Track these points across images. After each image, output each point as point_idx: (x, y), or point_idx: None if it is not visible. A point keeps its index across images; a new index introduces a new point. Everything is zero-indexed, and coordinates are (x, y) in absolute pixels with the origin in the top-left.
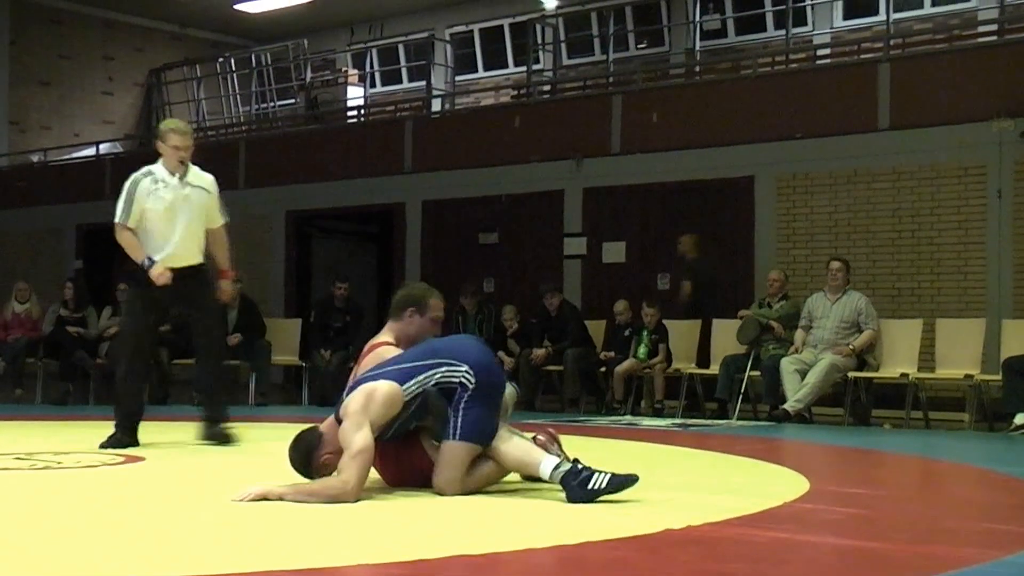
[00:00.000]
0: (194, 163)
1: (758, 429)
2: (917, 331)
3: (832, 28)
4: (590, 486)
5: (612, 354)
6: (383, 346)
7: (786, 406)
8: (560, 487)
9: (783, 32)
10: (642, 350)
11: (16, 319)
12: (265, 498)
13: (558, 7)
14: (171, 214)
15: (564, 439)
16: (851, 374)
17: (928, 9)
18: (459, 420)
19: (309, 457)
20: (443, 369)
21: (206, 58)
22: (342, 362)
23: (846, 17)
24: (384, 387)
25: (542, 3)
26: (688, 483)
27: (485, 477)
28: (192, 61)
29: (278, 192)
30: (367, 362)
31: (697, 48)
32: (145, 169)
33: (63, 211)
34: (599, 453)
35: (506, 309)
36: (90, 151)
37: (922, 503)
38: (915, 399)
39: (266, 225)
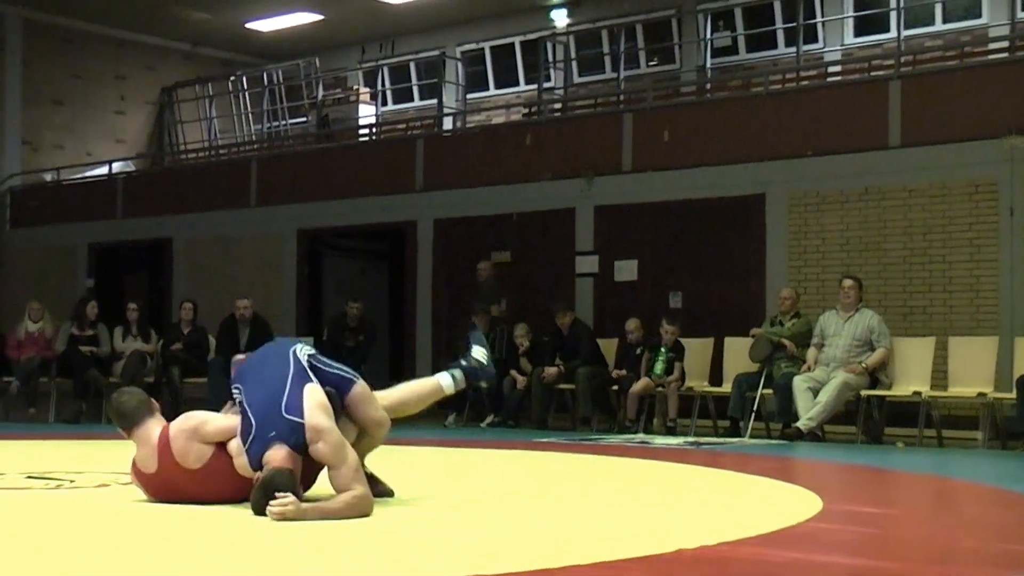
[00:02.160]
0: (210, 182)
1: (770, 448)
2: (930, 349)
3: (843, 45)
4: (485, 362)
5: (624, 372)
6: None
7: (799, 424)
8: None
9: (794, 49)
10: (659, 366)
11: (29, 338)
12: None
13: (569, 25)
14: None
15: (577, 457)
16: (864, 392)
17: (939, 26)
18: (337, 372)
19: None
20: (304, 360)
21: (218, 76)
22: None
23: (857, 34)
24: (323, 396)
25: (553, 21)
26: (701, 502)
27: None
28: (204, 79)
29: (289, 210)
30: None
31: (708, 66)
32: None
33: (75, 230)
34: (612, 472)
35: (518, 327)
36: (102, 170)
37: (936, 522)
38: (928, 417)
39: (277, 243)
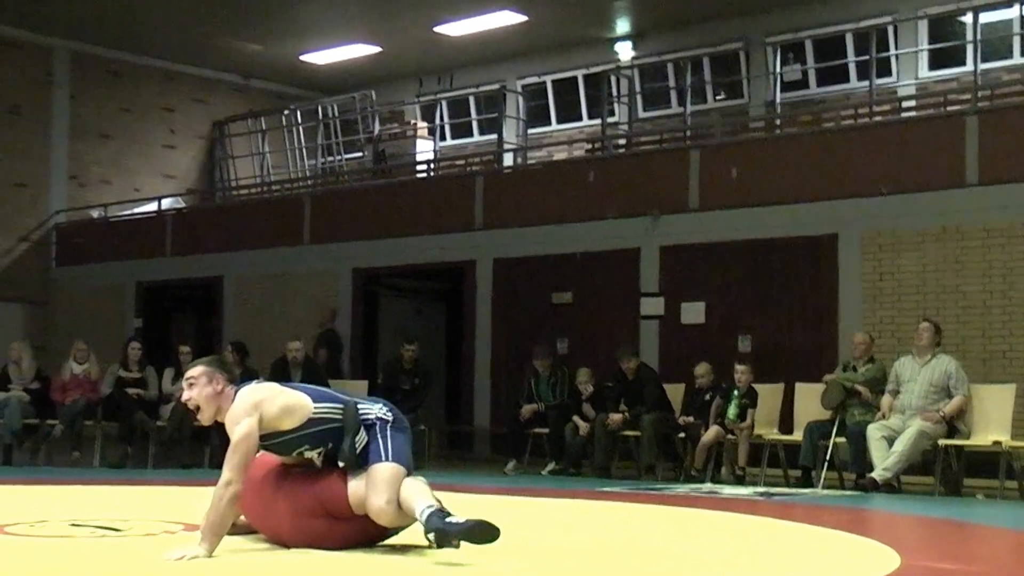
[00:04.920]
0: (262, 219)
1: (844, 499)
2: (1010, 396)
3: (917, 79)
4: (448, 519)
5: (691, 419)
6: None
7: (873, 475)
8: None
9: (867, 83)
10: (732, 410)
11: (74, 380)
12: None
13: (633, 58)
14: None
15: (643, 507)
16: (941, 441)
17: (1017, 59)
18: (388, 443)
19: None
20: (359, 404)
21: (271, 110)
22: (411, 425)
23: (932, 67)
24: (292, 394)
25: (617, 54)
26: (773, 556)
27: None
28: (256, 113)
29: (344, 249)
30: None
31: (777, 100)
32: None
33: (123, 268)
34: (679, 523)
35: (580, 372)
36: (151, 206)
37: None
38: (1009, 468)
39: (332, 283)
